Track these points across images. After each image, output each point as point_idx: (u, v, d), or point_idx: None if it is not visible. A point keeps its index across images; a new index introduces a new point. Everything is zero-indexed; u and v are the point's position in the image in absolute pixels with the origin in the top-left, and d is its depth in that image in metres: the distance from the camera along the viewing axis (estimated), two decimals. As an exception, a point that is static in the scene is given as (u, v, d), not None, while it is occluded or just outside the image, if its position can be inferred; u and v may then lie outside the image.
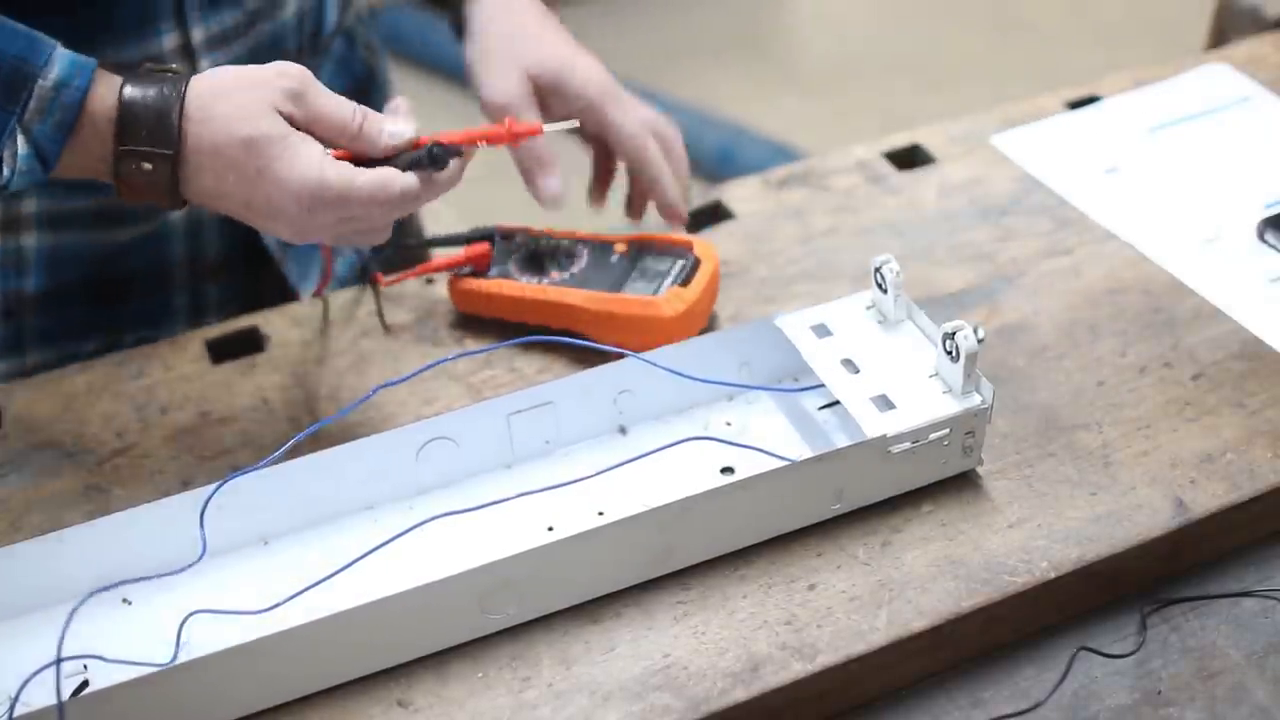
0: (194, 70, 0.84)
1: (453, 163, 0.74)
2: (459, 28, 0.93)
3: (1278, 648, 0.69)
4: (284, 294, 0.97)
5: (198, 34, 0.84)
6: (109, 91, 0.70)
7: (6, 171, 0.69)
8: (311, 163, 0.70)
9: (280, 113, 0.70)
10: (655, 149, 0.87)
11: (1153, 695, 0.67)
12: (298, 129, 0.71)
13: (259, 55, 0.89)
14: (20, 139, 0.68)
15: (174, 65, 0.76)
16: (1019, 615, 0.69)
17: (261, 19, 0.89)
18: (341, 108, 0.72)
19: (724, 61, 2.74)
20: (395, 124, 0.73)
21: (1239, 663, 0.69)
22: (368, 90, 1.05)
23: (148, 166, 0.70)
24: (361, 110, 0.73)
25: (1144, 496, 0.73)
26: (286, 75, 0.71)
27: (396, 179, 0.72)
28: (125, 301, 0.93)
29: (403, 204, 0.72)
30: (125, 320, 0.93)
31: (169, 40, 0.83)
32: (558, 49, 0.88)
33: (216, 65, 0.82)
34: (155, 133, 0.70)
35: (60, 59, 0.69)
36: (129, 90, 0.70)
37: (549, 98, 0.87)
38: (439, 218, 1.20)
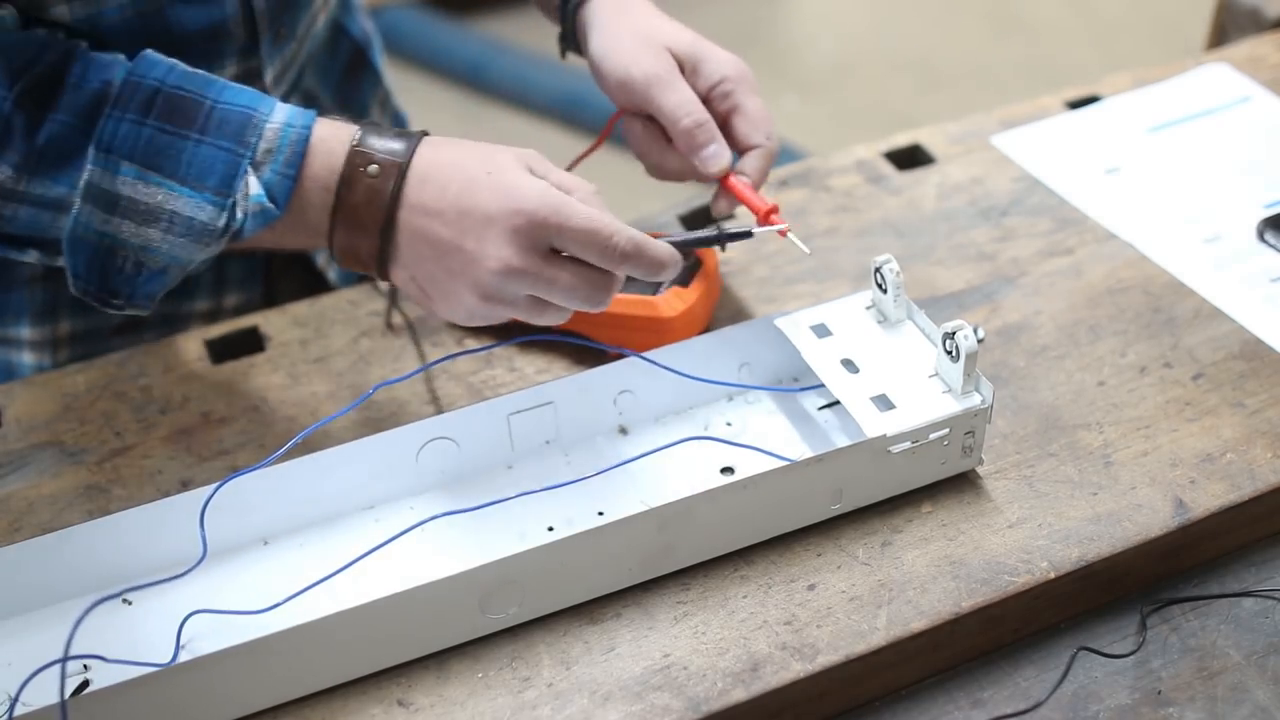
0: None
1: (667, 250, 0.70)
2: (570, 32, 0.88)
3: (1278, 648, 0.69)
4: (298, 263, 0.99)
5: (269, 75, 0.86)
6: (338, 128, 0.71)
7: (240, 215, 0.70)
8: (539, 183, 0.68)
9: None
10: (776, 146, 0.85)
11: (1153, 695, 0.67)
12: None
13: (302, 68, 0.92)
14: (252, 180, 0.69)
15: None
16: (1019, 615, 0.69)
17: (306, 40, 0.91)
18: (579, 181, 0.71)
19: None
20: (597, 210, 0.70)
21: (1239, 663, 0.69)
22: (365, 56, 1.06)
23: (374, 169, 0.69)
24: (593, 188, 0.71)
25: (1144, 496, 0.73)
26: (524, 152, 0.71)
27: (620, 226, 0.68)
28: None
29: (621, 256, 0.68)
30: None
31: (230, 69, 0.84)
32: (687, 33, 0.85)
33: (280, 96, 0.86)
34: (391, 140, 0.70)
35: (283, 108, 0.71)
36: (363, 126, 0.71)
37: (689, 75, 0.83)
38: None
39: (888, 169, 1.00)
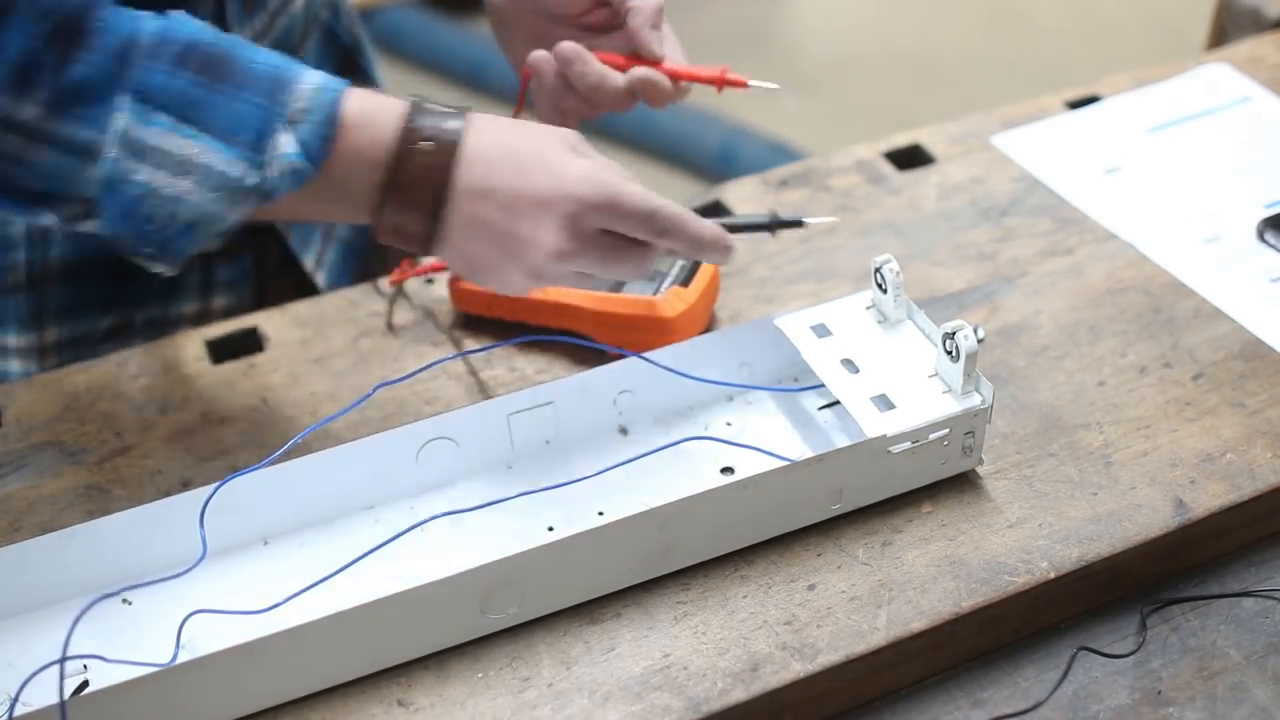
0: None
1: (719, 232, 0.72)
2: None
3: (1278, 648, 0.69)
4: (288, 267, 0.99)
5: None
6: (385, 100, 0.70)
7: (275, 173, 0.68)
8: (587, 165, 0.70)
9: None
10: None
11: (1153, 695, 0.67)
12: None
13: (277, 49, 0.90)
14: (285, 137, 0.68)
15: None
16: (1019, 615, 0.69)
17: (280, 15, 0.91)
18: (610, 162, 0.72)
19: (724, 61, 2.74)
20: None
21: (1239, 663, 0.69)
22: (355, 61, 1.06)
23: (428, 147, 0.69)
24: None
25: (1144, 496, 0.73)
26: (567, 134, 0.72)
27: (665, 201, 0.70)
28: (141, 276, 0.93)
29: (666, 232, 0.70)
30: (138, 298, 0.94)
31: None
32: None
33: None
34: (444, 116, 0.70)
35: (315, 72, 0.70)
36: (412, 101, 0.70)
37: None
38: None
39: (888, 169, 1.00)
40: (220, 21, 0.84)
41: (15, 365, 0.93)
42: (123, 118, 0.68)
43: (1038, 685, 0.68)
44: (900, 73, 2.66)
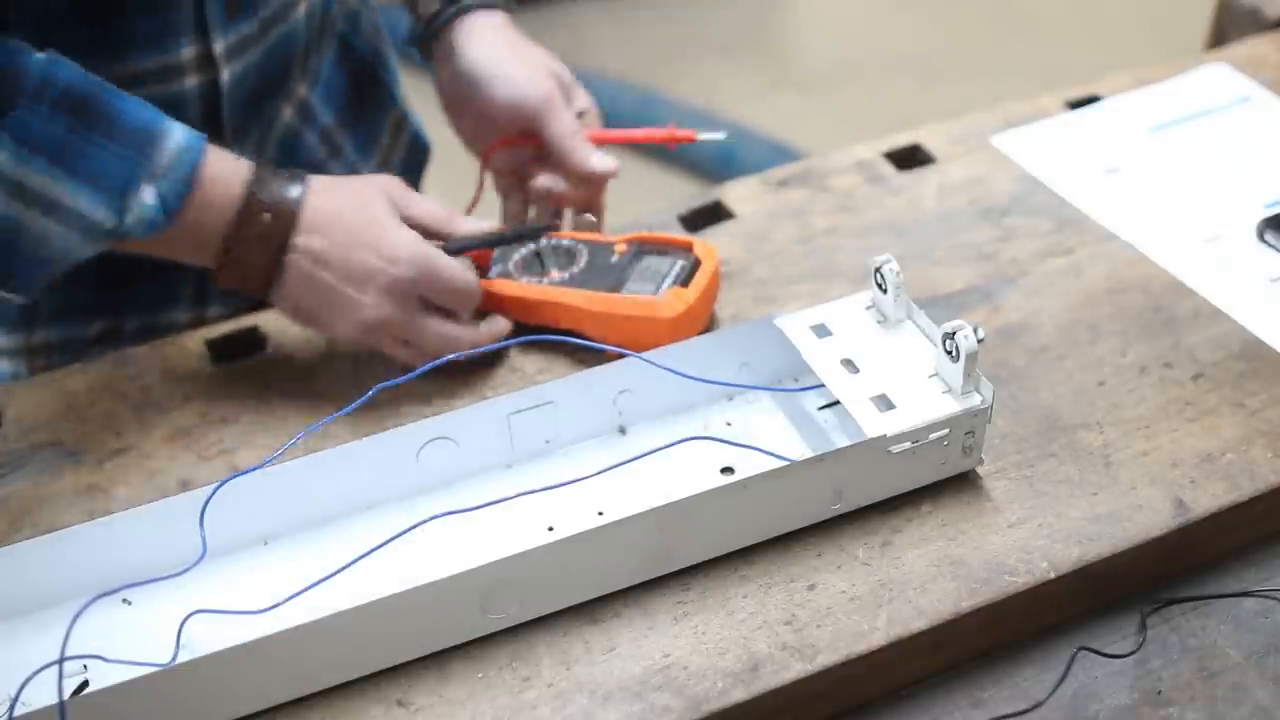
0: (214, 78, 0.87)
1: (499, 323, 0.85)
2: (429, 39, 0.94)
3: (1278, 648, 0.69)
4: None
5: (219, 45, 0.86)
6: (234, 161, 0.78)
7: (131, 220, 0.75)
8: (409, 237, 0.80)
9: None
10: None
11: (1153, 695, 0.67)
12: None
13: (274, 58, 0.91)
14: (147, 189, 0.74)
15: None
16: (1019, 615, 0.69)
17: (276, 24, 0.90)
18: (435, 206, 0.84)
19: (724, 61, 2.74)
20: (475, 223, 0.85)
21: (1239, 663, 0.69)
22: (375, 74, 1.05)
23: (267, 218, 0.77)
24: (449, 211, 0.85)
25: (1144, 496, 0.73)
26: (388, 185, 0.83)
27: (474, 276, 0.82)
28: (135, 284, 0.93)
29: (472, 298, 0.82)
30: (130, 304, 0.94)
31: (188, 51, 0.84)
32: (558, 62, 0.94)
33: (235, 74, 0.87)
34: (283, 184, 0.78)
35: (182, 129, 0.76)
36: (257, 166, 0.78)
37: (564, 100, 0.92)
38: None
39: (888, 169, 1.00)
40: (200, 26, 0.84)
41: (4, 365, 0.93)
42: (2, 156, 0.72)
43: (1038, 685, 0.68)
44: (900, 73, 2.66)
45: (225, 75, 0.86)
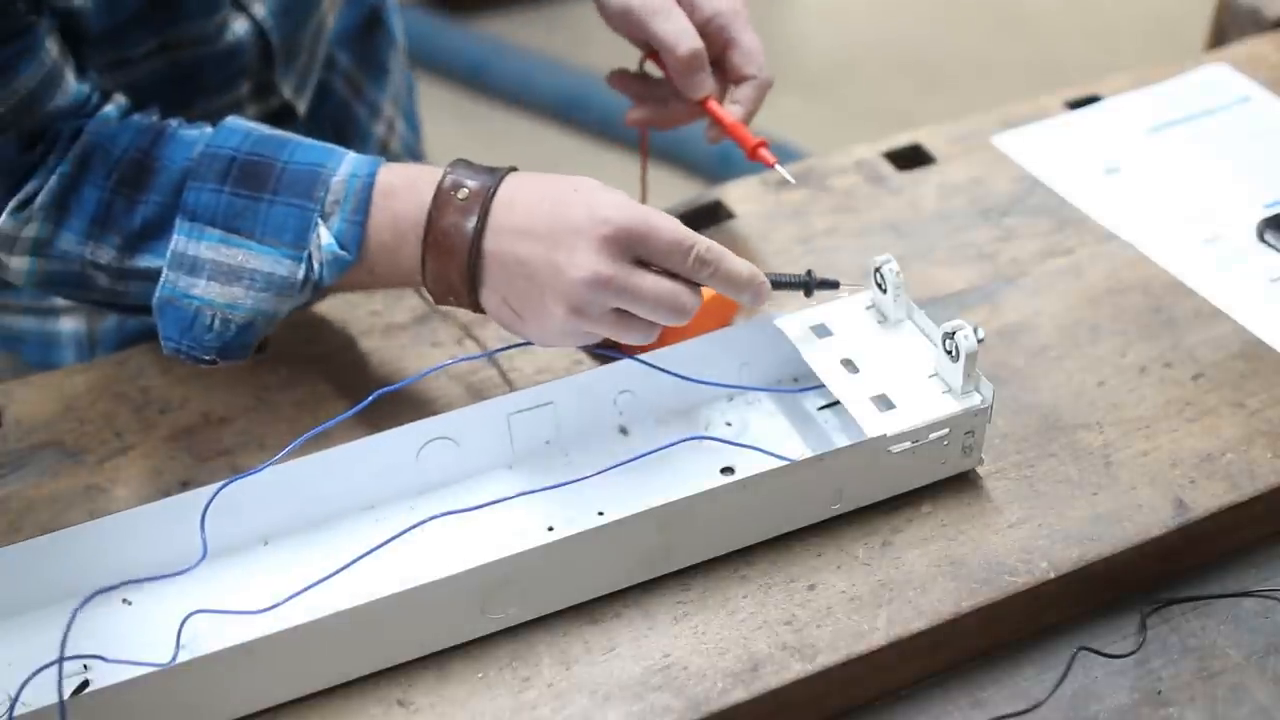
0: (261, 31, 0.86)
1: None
2: None
3: (1278, 648, 0.69)
4: None
5: (259, 9, 0.86)
6: (423, 169, 0.74)
7: (317, 265, 0.74)
8: (622, 195, 0.71)
9: None
10: (769, 78, 0.88)
11: (1153, 695, 0.67)
12: None
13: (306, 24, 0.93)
14: (324, 230, 0.73)
15: None
16: (1019, 615, 0.69)
17: (320, 44, 0.93)
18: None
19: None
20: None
21: (1239, 663, 0.69)
22: (379, 19, 1.07)
23: (463, 194, 0.72)
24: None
25: (1144, 496, 0.73)
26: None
27: (702, 237, 0.70)
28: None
29: (703, 263, 0.70)
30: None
31: (240, 25, 0.85)
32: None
33: (301, 94, 0.90)
34: (480, 173, 0.73)
35: (349, 159, 0.75)
36: (454, 164, 0.74)
37: (685, 7, 0.85)
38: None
39: (888, 169, 1.00)
40: (268, 79, 0.86)
41: (66, 324, 0.94)
42: (177, 239, 0.73)
43: (1038, 685, 0.68)
44: (900, 73, 2.66)
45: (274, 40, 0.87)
